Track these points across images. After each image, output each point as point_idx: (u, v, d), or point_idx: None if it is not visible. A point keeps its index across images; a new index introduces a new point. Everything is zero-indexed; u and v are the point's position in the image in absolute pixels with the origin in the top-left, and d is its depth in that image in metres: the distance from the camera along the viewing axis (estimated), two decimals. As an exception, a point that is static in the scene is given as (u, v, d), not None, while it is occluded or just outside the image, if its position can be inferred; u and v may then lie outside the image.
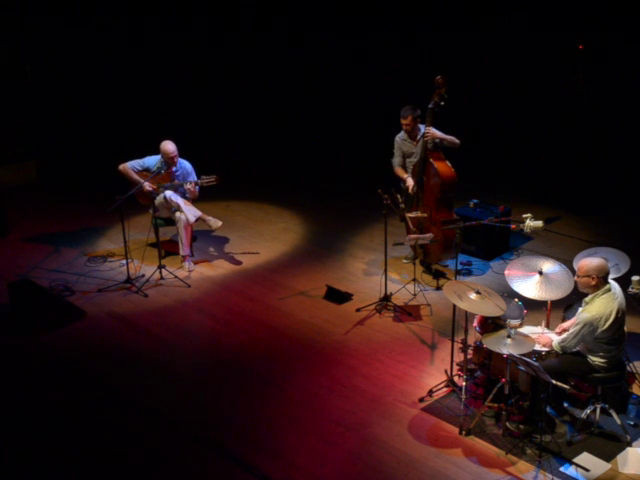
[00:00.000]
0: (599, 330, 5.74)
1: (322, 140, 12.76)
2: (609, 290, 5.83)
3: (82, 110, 12.09)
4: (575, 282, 6.00)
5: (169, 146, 8.59)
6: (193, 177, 8.79)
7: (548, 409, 6.11)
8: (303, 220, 10.23)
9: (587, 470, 5.64)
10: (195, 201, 8.90)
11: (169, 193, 8.60)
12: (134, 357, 7.25)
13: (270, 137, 12.97)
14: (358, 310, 7.92)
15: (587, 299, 5.89)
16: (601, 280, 5.80)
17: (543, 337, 6.15)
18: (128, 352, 7.33)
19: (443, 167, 8.19)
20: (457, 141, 8.28)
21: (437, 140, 8.25)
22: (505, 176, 11.30)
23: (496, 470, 5.70)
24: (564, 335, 5.96)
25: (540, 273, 6.43)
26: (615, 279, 6.15)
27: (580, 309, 5.98)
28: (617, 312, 5.77)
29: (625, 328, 5.94)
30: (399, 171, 8.55)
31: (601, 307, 5.76)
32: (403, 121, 8.33)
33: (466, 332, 6.30)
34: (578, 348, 5.96)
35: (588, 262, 5.85)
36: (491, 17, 11.90)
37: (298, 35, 13.07)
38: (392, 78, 12.59)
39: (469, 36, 12.09)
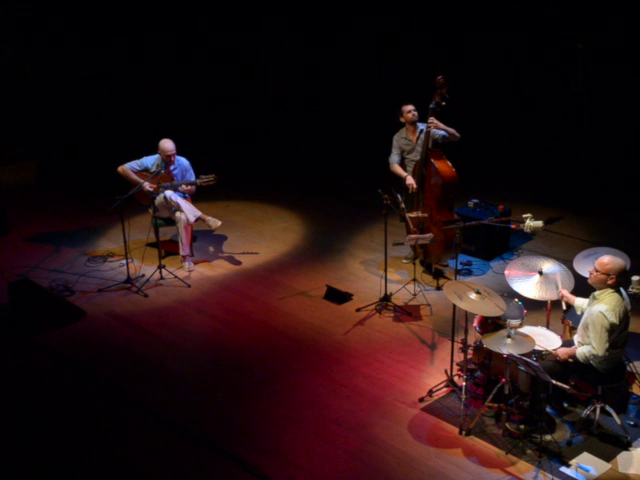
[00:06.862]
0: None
1: (321, 140, 12.78)
2: (618, 289, 5.82)
3: (82, 110, 12.08)
4: (590, 274, 5.88)
5: (167, 144, 8.60)
6: (191, 173, 8.82)
7: (548, 409, 6.11)
8: (303, 220, 10.23)
9: (587, 470, 5.64)
10: (195, 201, 8.90)
11: (169, 193, 8.60)
12: (134, 357, 7.25)
13: (270, 137, 12.97)
14: (358, 310, 7.92)
15: (596, 294, 5.85)
16: (617, 281, 5.77)
17: (562, 350, 5.95)
18: (128, 352, 7.33)
19: (444, 167, 8.19)
20: (458, 134, 8.30)
21: (438, 136, 8.25)
22: (505, 176, 11.31)
23: (496, 470, 5.70)
24: (588, 348, 5.78)
25: (540, 273, 6.43)
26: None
27: (585, 302, 5.99)
28: (624, 312, 5.76)
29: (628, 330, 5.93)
30: (397, 169, 8.52)
31: (613, 301, 5.73)
32: (408, 107, 8.32)
33: (466, 332, 6.30)
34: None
35: (613, 262, 5.76)
36: (489, 17, 11.90)
37: (298, 33, 13.07)
38: (392, 77, 12.59)
39: (469, 36, 12.10)
